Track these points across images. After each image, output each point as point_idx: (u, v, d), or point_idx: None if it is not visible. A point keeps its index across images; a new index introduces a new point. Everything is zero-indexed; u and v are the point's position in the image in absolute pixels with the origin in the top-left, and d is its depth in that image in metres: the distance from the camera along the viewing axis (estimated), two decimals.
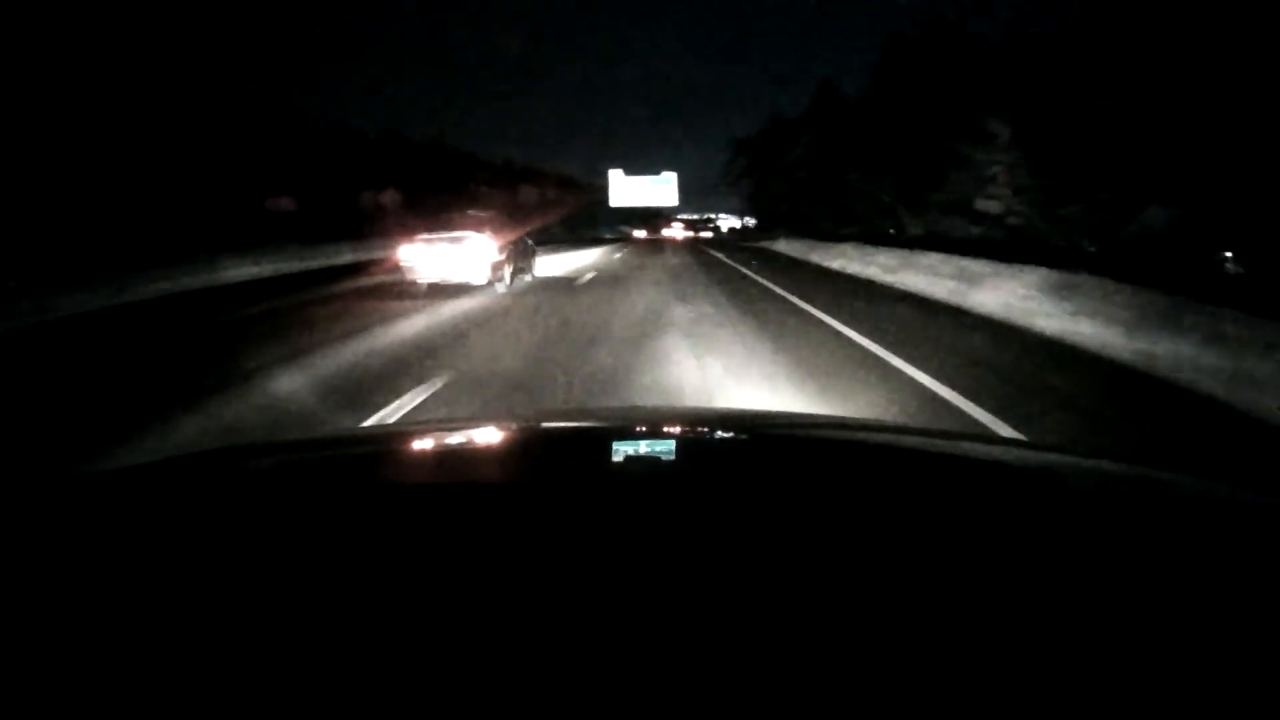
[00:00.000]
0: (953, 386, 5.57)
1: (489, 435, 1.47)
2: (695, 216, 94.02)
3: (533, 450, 1.34)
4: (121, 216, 19.05)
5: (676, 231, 73.29)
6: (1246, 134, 14.39)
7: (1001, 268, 11.71)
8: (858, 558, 0.74)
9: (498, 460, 1.27)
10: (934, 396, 5.40)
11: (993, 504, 0.95)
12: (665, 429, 1.49)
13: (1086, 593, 0.69)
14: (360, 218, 32.34)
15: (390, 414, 4.88)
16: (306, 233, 24.77)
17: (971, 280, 11.94)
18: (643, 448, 1.30)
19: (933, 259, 14.54)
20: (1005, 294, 10.43)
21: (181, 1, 24.80)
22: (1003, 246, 17.12)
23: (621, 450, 1.26)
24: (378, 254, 20.46)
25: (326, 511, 0.90)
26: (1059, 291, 9.39)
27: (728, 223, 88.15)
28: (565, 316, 9.97)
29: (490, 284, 13.35)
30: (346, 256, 23.16)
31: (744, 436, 1.46)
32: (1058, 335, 8.17)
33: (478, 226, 14.07)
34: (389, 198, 36.09)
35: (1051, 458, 1.37)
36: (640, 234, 69.75)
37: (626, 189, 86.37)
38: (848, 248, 21.38)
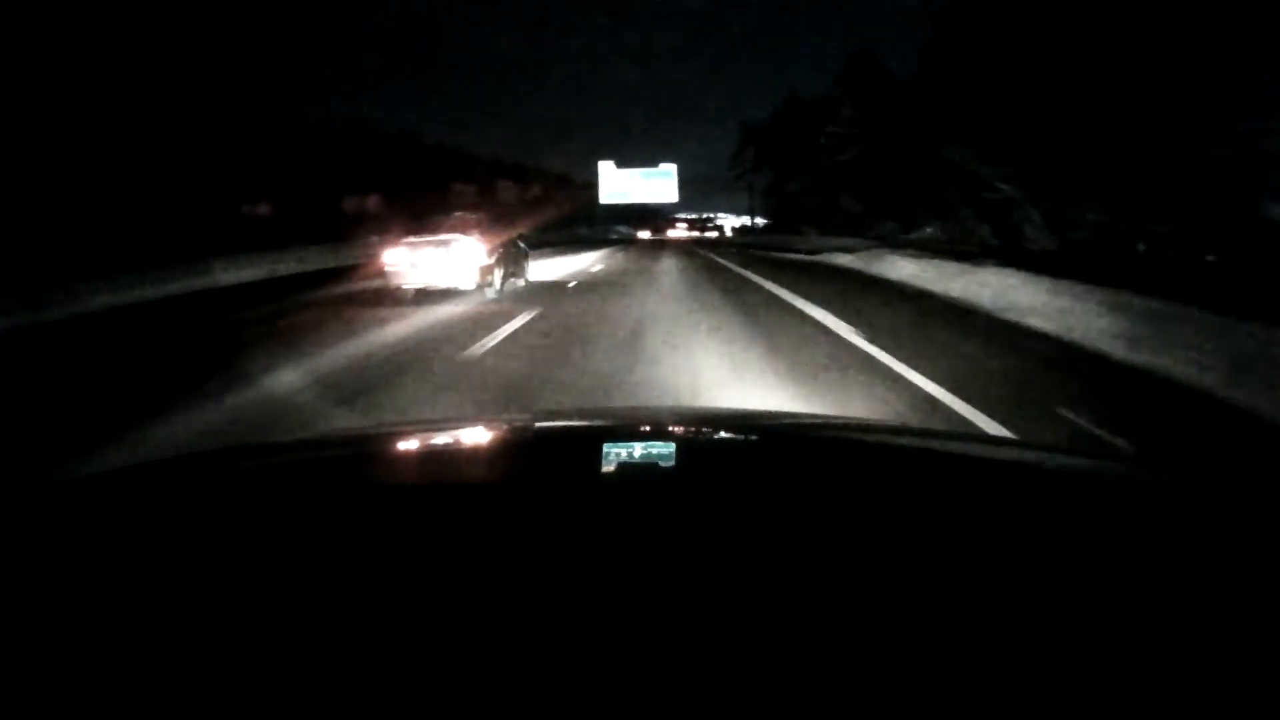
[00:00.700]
0: None
1: (489, 435, 1.46)
2: (694, 216, 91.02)
3: (533, 450, 1.34)
4: (90, 220, 18.01)
5: (680, 232, 71.84)
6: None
7: None
8: (855, 558, 0.74)
9: (497, 460, 1.27)
10: None
11: (992, 504, 0.94)
12: (662, 429, 1.49)
13: (1085, 592, 0.68)
14: (335, 219, 29.80)
15: None
16: (279, 236, 22.67)
17: None
18: (640, 448, 1.28)
19: None
20: None
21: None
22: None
23: (618, 450, 1.25)
24: (352, 259, 19.33)
25: (325, 513, 0.89)
26: None
27: (729, 223, 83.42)
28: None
29: (479, 289, 12.80)
30: (316, 263, 20.84)
31: (740, 436, 1.45)
32: None
33: (466, 229, 13.58)
34: (369, 201, 33.57)
35: (1047, 457, 1.37)
36: (644, 234, 68.27)
37: (619, 183, 68.65)
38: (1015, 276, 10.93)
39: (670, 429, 1.47)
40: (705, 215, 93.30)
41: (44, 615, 0.66)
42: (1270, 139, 13.48)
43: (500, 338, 8.24)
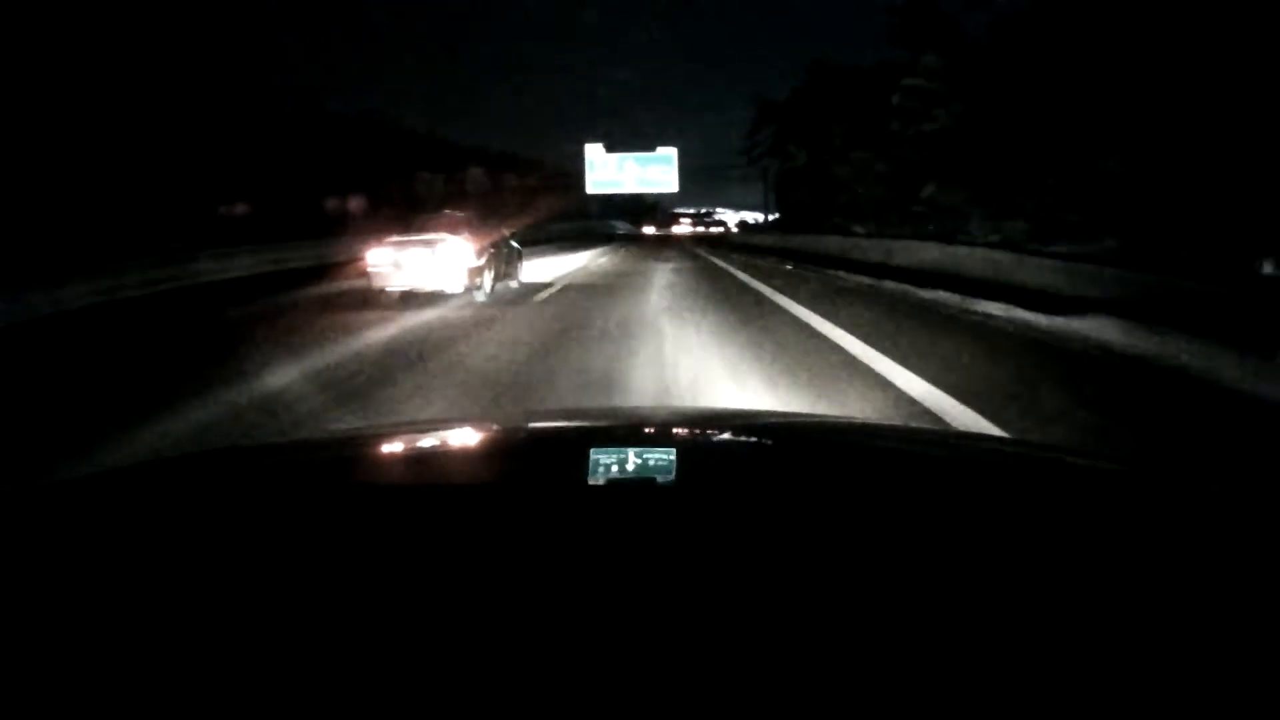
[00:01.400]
0: None
1: (487, 436, 1.45)
2: (694, 211, 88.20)
3: (531, 451, 1.32)
4: (69, 215, 17.19)
5: (685, 228, 69.21)
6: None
7: None
8: (855, 558, 0.73)
9: (494, 461, 1.26)
10: None
11: (993, 504, 0.93)
12: (661, 429, 1.49)
13: (1084, 592, 0.68)
14: (314, 212, 28.06)
15: None
16: (256, 231, 21.45)
17: None
18: (639, 448, 1.27)
19: None
20: None
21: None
22: None
23: (618, 450, 1.25)
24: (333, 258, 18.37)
25: (325, 513, 0.88)
26: None
27: (731, 218, 79.37)
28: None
29: (468, 291, 12.13)
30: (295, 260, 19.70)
31: (737, 436, 1.44)
32: None
33: (454, 228, 12.90)
34: (351, 197, 31.03)
35: (1045, 456, 1.37)
36: (649, 230, 66.33)
37: (609, 170, 52.84)
38: None
39: (669, 429, 1.49)
40: (704, 210, 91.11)
41: (43, 616, 0.65)
42: None
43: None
